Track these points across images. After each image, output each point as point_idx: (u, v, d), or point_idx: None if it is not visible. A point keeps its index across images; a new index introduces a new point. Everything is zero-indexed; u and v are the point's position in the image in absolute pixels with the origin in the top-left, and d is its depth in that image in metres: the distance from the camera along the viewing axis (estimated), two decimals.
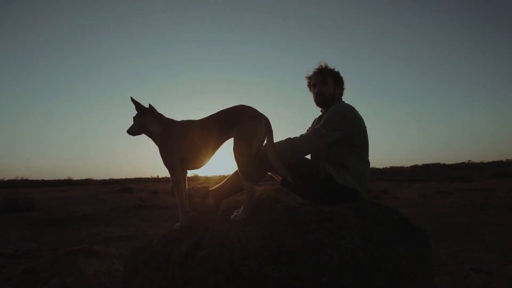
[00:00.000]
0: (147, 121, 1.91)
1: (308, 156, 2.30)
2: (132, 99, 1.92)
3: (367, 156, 2.28)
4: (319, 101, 2.42)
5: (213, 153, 1.85)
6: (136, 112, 1.96)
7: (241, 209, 1.75)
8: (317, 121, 2.51)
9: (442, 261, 3.39)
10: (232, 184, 2.11)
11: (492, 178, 22.72)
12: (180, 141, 1.81)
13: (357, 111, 2.27)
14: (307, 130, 2.46)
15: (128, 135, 1.97)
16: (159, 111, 1.96)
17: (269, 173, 2.18)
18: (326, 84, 2.38)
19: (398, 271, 1.51)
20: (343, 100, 2.44)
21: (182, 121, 1.90)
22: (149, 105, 1.94)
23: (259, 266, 1.24)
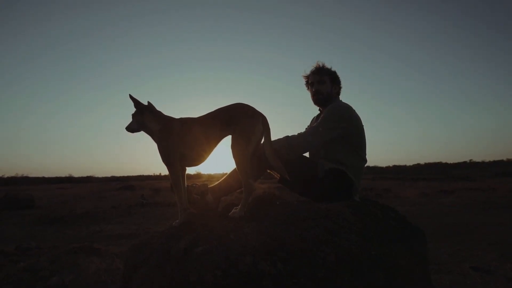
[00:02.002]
0: (145, 118, 1.91)
1: (306, 154, 2.31)
2: (131, 97, 1.92)
3: (365, 154, 2.29)
4: (316, 100, 2.43)
5: (211, 150, 1.85)
6: (135, 109, 1.95)
7: (239, 206, 1.75)
8: (315, 119, 2.51)
9: (442, 259, 3.40)
10: (232, 182, 2.11)
11: (493, 177, 22.67)
12: (179, 138, 1.81)
13: (354, 110, 2.28)
14: (306, 129, 2.46)
15: (131, 133, 1.97)
16: (158, 109, 1.96)
17: (268, 171, 2.18)
18: (323, 83, 2.39)
19: (395, 269, 1.51)
20: (340, 99, 2.45)
21: (181, 119, 1.90)
22: (148, 102, 1.94)
23: (255, 262, 1.24)
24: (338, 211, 1.66)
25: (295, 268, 1.24)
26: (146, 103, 1.94)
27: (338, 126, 2.16)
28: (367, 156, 2.33)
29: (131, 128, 1.96)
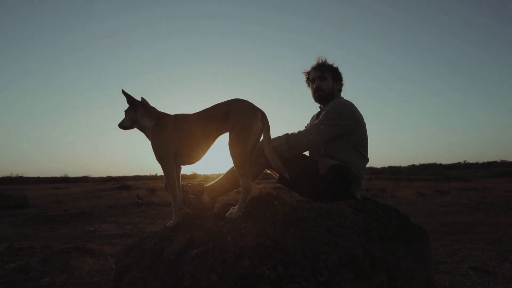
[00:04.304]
0: (139, 114, 1.84)
1: (306, 153, 2.26)
2: (124, 92, 1.86)
3: (366, 152, 2.25)
4: (317, 96, 2.38)
5: (208, 148, 1.80)
6: (128, 105, 1.89)
7: (237, 206, 1.69)
8: (315, 117, 2.47)
9: (441, 259, 3.38)
10: (228, 181, 2.07)
11: (488, 178, 22.85)
12: (174, 135, 1.76)
13: (356, 107, 2.24)
14: (306, 127, 2.42)
15: (124, 130, 1.91)
16: (152, 105, 1.90)
17: (267, 170, 2.13)
18: (324, 80, 2.35)
19: (397, 270, 1.46)
20: (342, 96, 2.40)
21: (176, 115, 1.85)
22: (142, 98, 1.88)
23: (254, 265, 1.18)
24: (340, 211, 1.61)
25: (296, 271, 1.18)
26: (139, 99, 1.88)
27: (339, 123, 2.12)
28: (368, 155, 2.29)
29: (123, 125, 1.89)
